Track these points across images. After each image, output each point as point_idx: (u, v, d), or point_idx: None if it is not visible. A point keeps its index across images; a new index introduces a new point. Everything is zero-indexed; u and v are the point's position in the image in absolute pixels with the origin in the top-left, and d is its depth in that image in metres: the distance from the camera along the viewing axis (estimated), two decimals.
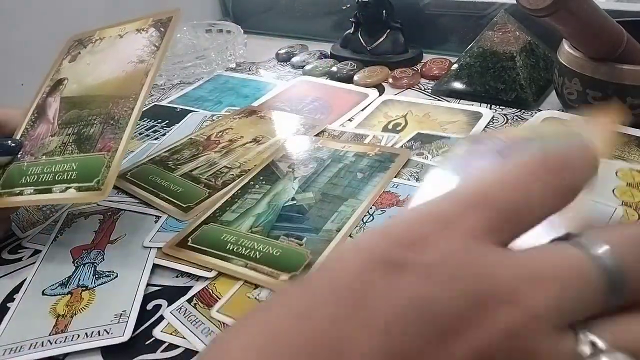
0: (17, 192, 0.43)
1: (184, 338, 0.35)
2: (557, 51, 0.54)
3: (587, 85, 0.50)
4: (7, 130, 0.48)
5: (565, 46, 0.52)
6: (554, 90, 0.57)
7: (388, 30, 0.73)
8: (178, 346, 0.35)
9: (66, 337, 0.36)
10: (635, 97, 0.48)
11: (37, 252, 0.45)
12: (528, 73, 0.59)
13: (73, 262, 0.43)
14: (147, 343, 0.36)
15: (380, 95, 0.65)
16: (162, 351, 0.35)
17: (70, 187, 0.42)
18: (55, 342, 0.36)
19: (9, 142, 0.46)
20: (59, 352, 0.35)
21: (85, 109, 0.46)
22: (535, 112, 0.57)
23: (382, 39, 0.73)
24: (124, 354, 0.35)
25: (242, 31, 0.82)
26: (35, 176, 0.43)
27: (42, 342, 0.36)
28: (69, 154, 0.44)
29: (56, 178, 0.42)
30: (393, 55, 0.73)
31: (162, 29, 0.48)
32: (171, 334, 0.36)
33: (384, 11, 0.72)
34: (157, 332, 0.36)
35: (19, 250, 0.46)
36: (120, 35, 0.50)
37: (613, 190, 0.42)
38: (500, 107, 0.59)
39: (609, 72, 0.48)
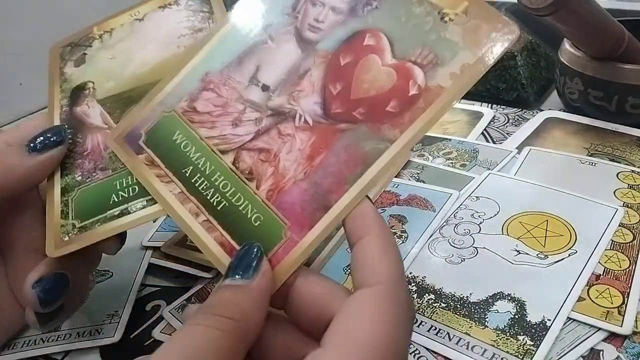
0: (118, 213, 0.30)
1: None
2: (558, 50, 0.54)
3: (589, 84, 0.50)
4: None
5: (567, 45, 0.52)
6: (555, 90, 0.57)
7: None
8: None
9: (58, 335, 0.36)
10: (637, 96, 0.48)
11: None
12: (529, 72, 0.59)
13: None
14: (146, 344, 0.35)
15: None
16: None
17: None
18: (48, 341, 0.36)
19: (57, 127, 0.34)
20: (50, 351, 0.35)
21: None
22: (537, 112, 0.56)
23: None
24: (124, 355, 0.35)
25: None
26: (133, 188, 0.30)
27: (35, 340, 0.36)
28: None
29: None
30: None
31: None
32: (170, 334, 0.36)
33: None
34: (157, 333, 0.36)
35: None
36: (138, 19, 0.40)
37: (614, 192, 0.42)
38: (502, 106, 0.59)
39: (610, 71, 0.48)
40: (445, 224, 0.41)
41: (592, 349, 0.31)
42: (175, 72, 0.31)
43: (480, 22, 0.25)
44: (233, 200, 0.27)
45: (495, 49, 0.25)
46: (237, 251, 0.25)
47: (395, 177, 0.47)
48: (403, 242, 0.40)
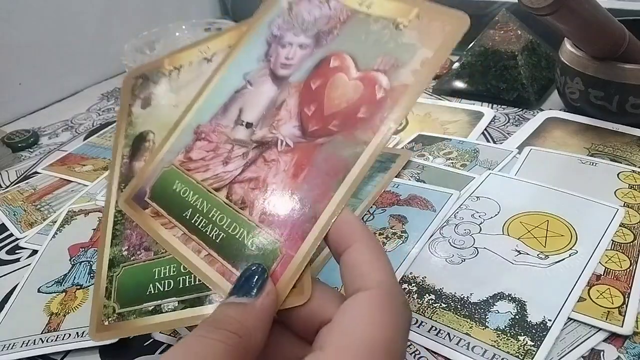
0: (151, 308, 0.29)
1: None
2: (558, 50, 0.54)
3: (589, 84, 0.50)
4: None
5: (567, 45, 0.52)
6: (555, 90, 0.57)
7: None
8: None
9: (57, 335, 0.36)
10: (638, 96, 0.48)
11: (35, 252, 0.45)
12: (530, 72, 0.59)
13: (70, 260, 0.43)
14: (145, 344, 0.35)
15: None
16: (160, 352, 0.35)
17: None
18: (47, 341, 0.36)
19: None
20: (50, 351, 0.35)
21: None
22: (537, 112, 0.56)
23: None
24: (123, 355, 0.35)
25: None
26: (170, 281, 0.29)
27: (34, 340, 0.36)
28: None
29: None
30: None
31: None
32: (170, 335, 0.36)
33: None
34: (156, 333, 0.36)
35: (17, 251, 0.46)
36: (207, 59, 0.37)
37: (615, 192, 0.42)
38: (502, 106, 0.59)
39: (611, 71, 0.48)
40: (445, 224, 0.41)
41: (592, 349, 0.31)
42: (171, 133, 0.34)
43: (432, 21, 0.27)
44: (229, 231, 0.28)
45: (452, 38, 0.26)
46: (243, 271, 0.26)
47: (396, 177, 0.47)
48: (403, 243, 0.40)
